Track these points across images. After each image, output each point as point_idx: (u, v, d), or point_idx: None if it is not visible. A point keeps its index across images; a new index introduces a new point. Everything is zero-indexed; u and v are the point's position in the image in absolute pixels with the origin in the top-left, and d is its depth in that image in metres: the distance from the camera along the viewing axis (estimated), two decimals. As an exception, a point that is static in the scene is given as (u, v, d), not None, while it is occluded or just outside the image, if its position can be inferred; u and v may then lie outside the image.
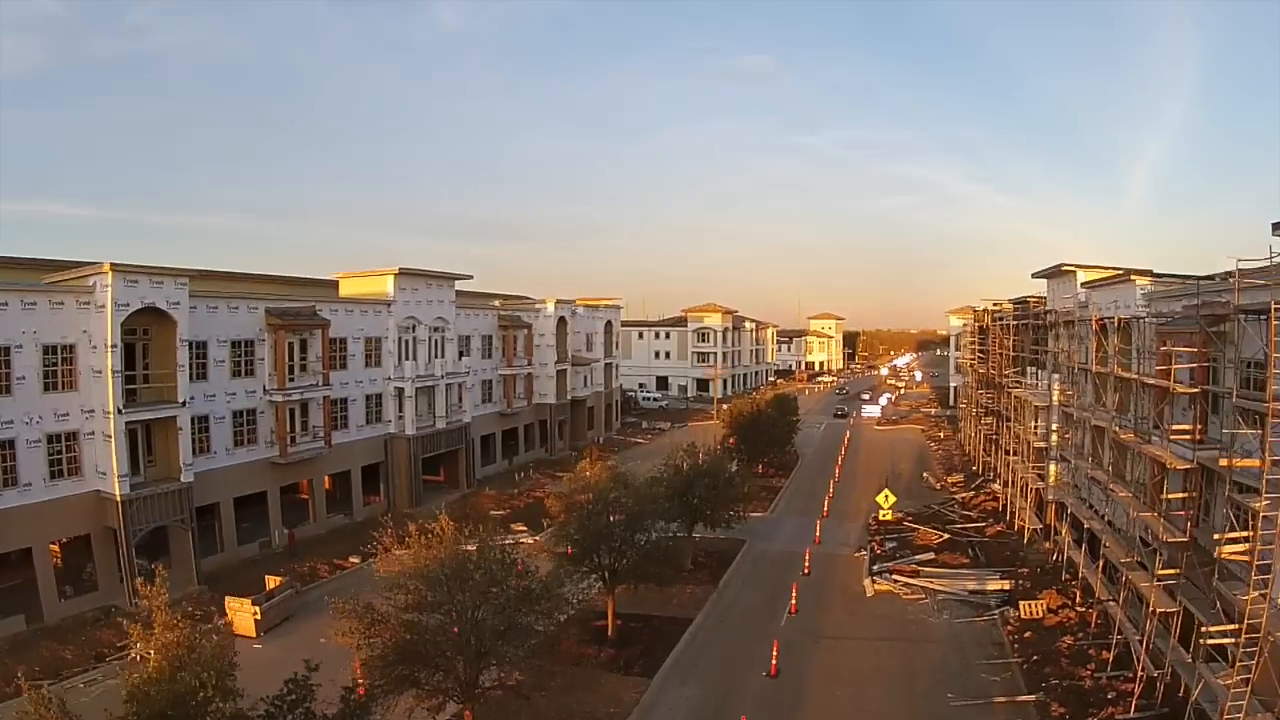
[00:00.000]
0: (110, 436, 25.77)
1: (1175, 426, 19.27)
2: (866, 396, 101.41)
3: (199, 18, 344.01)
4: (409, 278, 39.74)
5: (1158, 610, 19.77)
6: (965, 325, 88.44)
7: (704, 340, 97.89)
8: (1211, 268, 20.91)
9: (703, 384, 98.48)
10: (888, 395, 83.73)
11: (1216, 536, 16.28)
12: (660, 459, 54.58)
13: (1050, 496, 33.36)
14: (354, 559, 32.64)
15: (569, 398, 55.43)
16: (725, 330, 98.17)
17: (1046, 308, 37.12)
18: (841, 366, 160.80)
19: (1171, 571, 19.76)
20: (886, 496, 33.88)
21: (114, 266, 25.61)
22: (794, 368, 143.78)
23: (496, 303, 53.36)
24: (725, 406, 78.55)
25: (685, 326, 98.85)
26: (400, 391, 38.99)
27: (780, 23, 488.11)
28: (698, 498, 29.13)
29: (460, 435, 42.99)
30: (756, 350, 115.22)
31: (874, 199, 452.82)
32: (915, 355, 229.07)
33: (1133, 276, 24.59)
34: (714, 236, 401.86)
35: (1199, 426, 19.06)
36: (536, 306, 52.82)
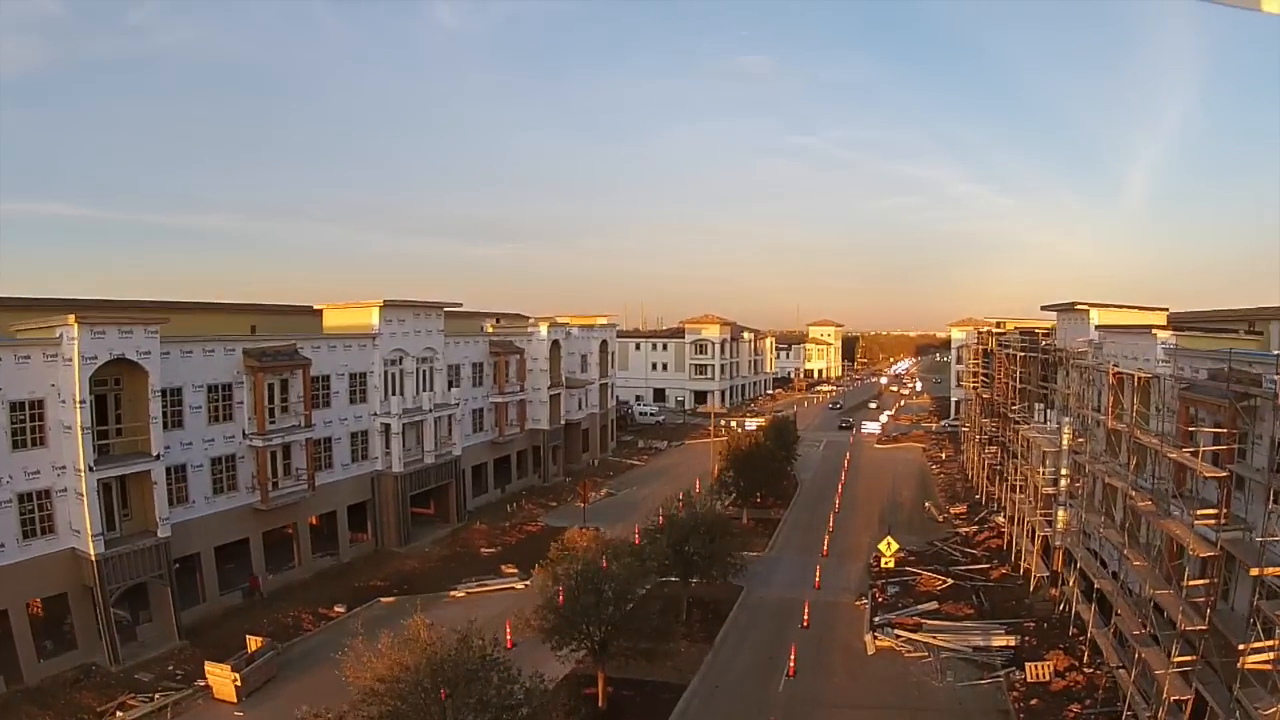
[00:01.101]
0: (83, 495, 24.81)
1: (1200, 512, 18.17)
2: (873, 405, 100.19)
3: (198, 18, 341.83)
4: (395, 309, 38.57)
5: (1171, 697, 18.80)
6: (967, 341, 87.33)
7: (702, 352, 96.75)
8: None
9: (701, 396, 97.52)
10: (887, 413, 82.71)
11: (1241, 647, 15.24)
12: (656, 483, 54.15)
13: (1058, 543, 32.38)
14: (339, 608, 31.62)
15: (563, 422, 54.31)
16: (723, 342, 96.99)
17: (1056, 343, 36.04)
18: (840, 374, 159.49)
19: (1188, 658, 18.76)
20: (889, 544, 32.88)
21: (79, 318, 24.54)
22: (792, 375, 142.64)
23: (488, 327, 52.24)
24: (724, 423, 77.51)
25: (683, 338, 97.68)
26: (387, 428, 37.87)
27: (779, 23, 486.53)
28: (694, 552, 28.09)
29: (450, 469, 41.90)
30: (755, 360, 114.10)
31: (873, 199, 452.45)
32: (915, 360, 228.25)
33: (1154, 330, 23.39)
34: (713, 237, 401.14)
35: (1225, 510, 17.99)
36: (529, 330, 51.66)
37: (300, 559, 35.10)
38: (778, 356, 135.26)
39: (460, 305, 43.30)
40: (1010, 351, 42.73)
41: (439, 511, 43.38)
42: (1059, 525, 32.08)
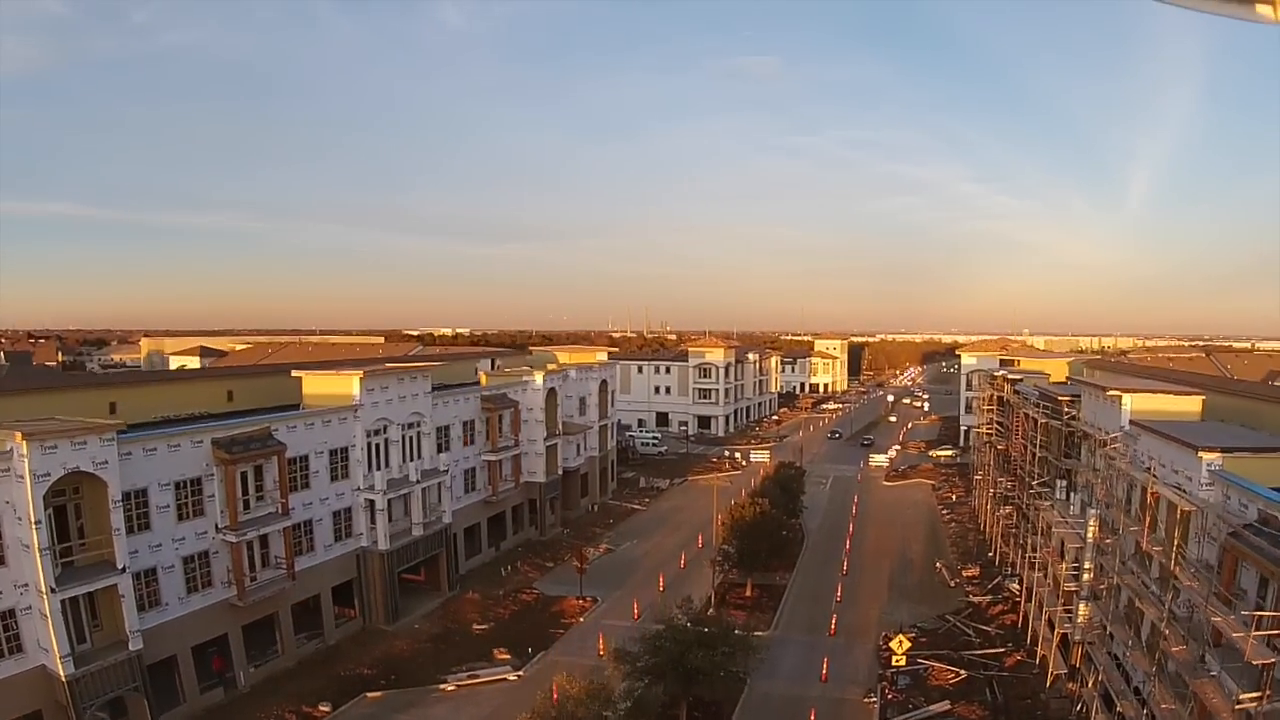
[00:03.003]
0: (47, 616, 23.42)
1: (1244, 696, 16.25)
2: (892, 419, 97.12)
3: (203, 17, 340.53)
4: (377, 377, 36.66)
5: None
6: (979, 366, 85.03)
7: (705, 376, 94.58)
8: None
9: (705, 421, 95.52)
10: (895, 447, 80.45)
11: None
12: (658, 533, 52.30)
13: (1077, 637, 30.50)
14: (324, 706, 30.09)
15: (560, 472, 52.50)
16: (728, 366, 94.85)
17: (1081, 416, 33.89)
18: (846, 388, 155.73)
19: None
20: (900, 642, 31.09)
21: (27, 435, 22.90)
22: (798, 390, 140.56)
23: (482, 377, 50.40)
24: (728, 454, 75.26)
25: (686, 361, 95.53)
26: (371, 504, 36.18)
27: (785, 23, 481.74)
28: (695, 665, 26.29)
29: (440, 538, 40.18)
30: (760, 381, 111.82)
31: (877, 199, 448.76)
32: (921, 368, 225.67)
33: (1201, 453, 21.29)
34: (716, 236, 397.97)
35: (1267, 692, 16.08)
36: (524, 379, 49.72)
37: (283, 646, 33.51)
38: (783, 371, 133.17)
39: (444, 364, 41.39)
40: (1028, 412, 40.64)
41: (429, 579, 41.73)
42: (1079, 620, 30.17)
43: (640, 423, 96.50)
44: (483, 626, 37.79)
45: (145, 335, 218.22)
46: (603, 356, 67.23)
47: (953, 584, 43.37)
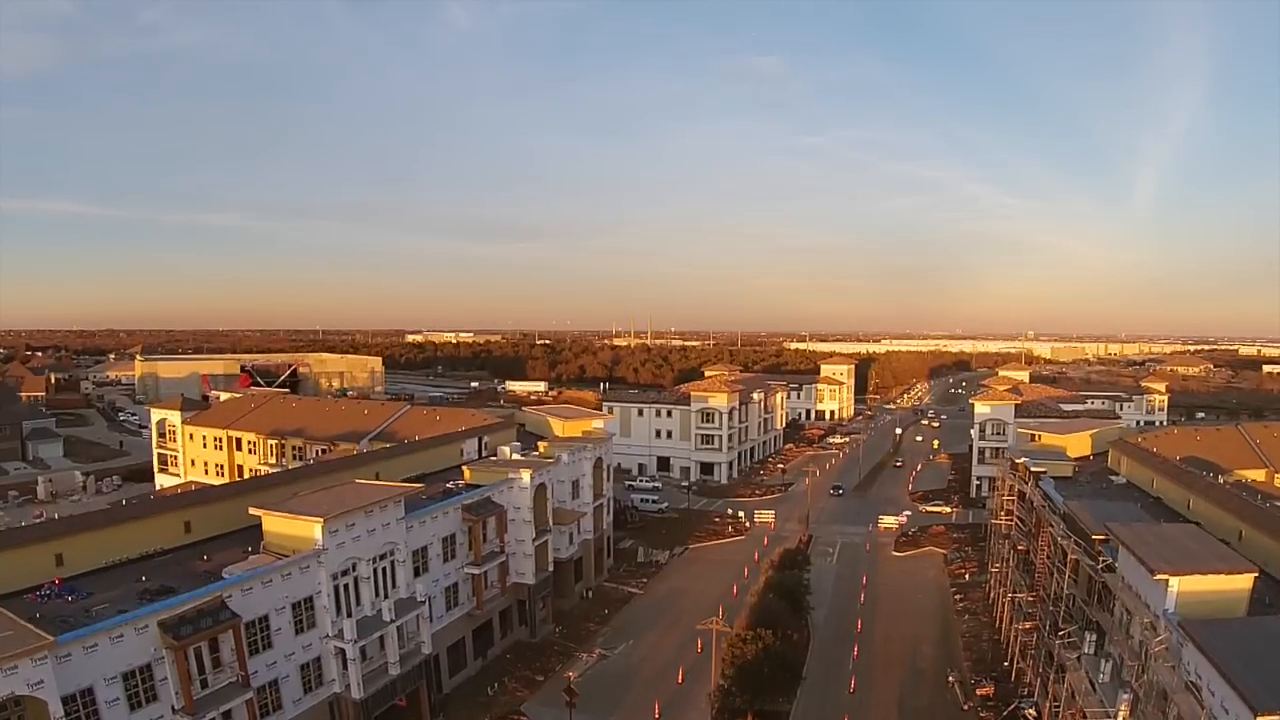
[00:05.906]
0: None
1: None
2: (899, 463, 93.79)
3: (210, 17, 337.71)
4: (341, 517, 33.73)
5: None
6: (992, 418, 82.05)
7: (708, 421, 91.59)
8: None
9: (707, 467, 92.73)
10: (907, 513, 77.15)
11: None
12: (657, 629, 49.59)
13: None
14: None
15: (551, 568, 49.86)
16: (731, 410, 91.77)
17: (1117, 571, 30.87)
18: (852, 414, 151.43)
19: None
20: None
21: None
22: (803, 416, 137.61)
23: (466, 472, 47.70)
24: (731, 514, 71.79)
25: (689, 405, 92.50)
26: (342, 652, 33.65)
27: (790, 24, 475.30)
28: None
29: (419, 671, 37.67)
30: (765, 419, 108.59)
31: (883, 200, 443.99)
32: (928, 384, 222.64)
33: (1259, 718, 18.46)
34: (722, 238, 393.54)
35: None
36: (510, 477, 46.95)
37: (250, 812, 31.16)
38: (789, 396, 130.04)
39: (421, 485, 38.66)
40: (1055, 536, 37.75)
41: (411, 704, 39.25)
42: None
43: (641, 467, 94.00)
44: (465, 772, 35.39)
45: (143, 353, 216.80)
46: (599, 424, 64.59)
47: (965, 707, 40.63)
